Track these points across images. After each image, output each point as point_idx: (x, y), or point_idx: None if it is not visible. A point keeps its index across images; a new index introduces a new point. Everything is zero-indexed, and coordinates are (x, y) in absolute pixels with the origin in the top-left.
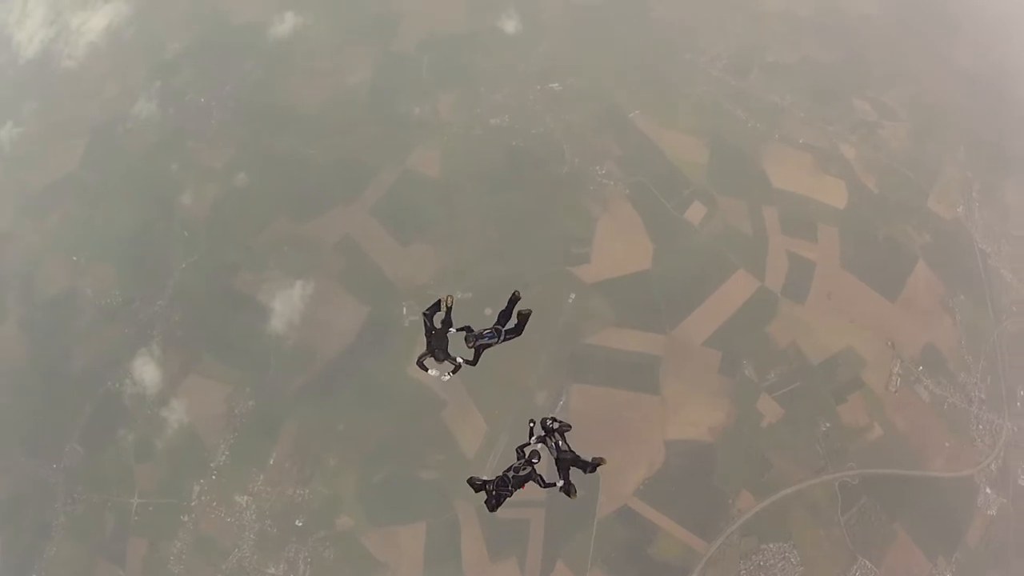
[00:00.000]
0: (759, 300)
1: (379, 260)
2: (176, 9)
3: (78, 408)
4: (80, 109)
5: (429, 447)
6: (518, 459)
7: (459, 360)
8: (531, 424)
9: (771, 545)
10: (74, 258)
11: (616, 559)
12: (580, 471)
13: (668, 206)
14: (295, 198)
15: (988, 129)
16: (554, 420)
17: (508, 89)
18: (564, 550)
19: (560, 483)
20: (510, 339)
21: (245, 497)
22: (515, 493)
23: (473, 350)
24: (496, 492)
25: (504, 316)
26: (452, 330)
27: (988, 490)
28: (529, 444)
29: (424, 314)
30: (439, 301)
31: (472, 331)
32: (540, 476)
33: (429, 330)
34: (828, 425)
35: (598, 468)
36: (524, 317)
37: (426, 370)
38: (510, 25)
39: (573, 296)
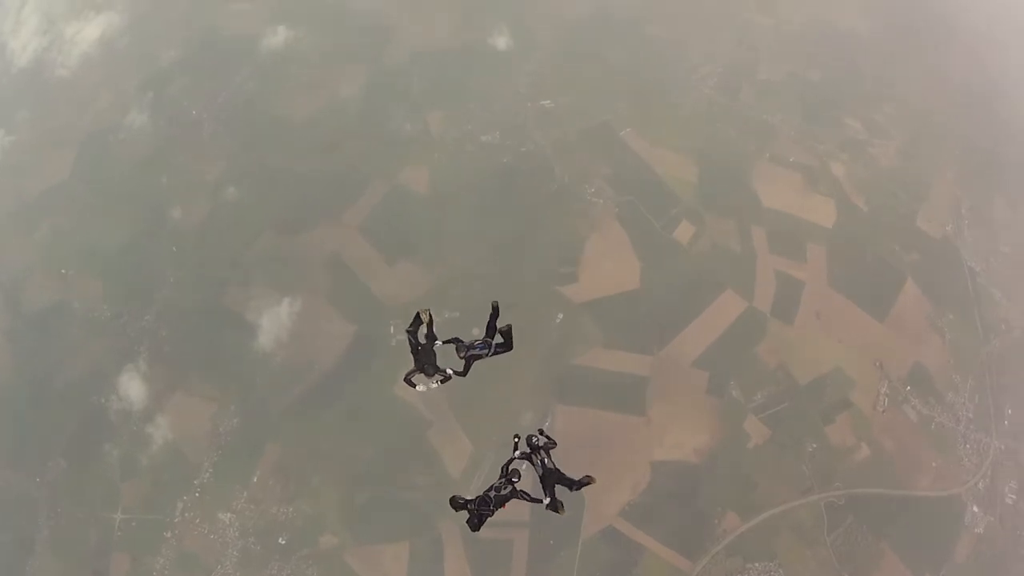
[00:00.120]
0: (747, 320)
1: (366, 278)
2: (169, 21)
3: (63, 422)
4: (72, 119)
5: (414, 466)
6: (500, 477)
7: (449, 372)
8: (515, 439)
9: (757, 565)
10: (63, 270)
11: None
12: (566, 489)
13: (657, 225)
14: (284, 213)
15: (978, 147)
16: (540, 435)
17: (499, 106)
18: (548, 571)
19: (547, 500)
20: (501, 353)
21: (228, 514)
22: (497, 512)
23: (464, 361)
24: (478, 511)
25: (491, 329)
26: (438, 343)
27: (975, 509)
28: (513, 459)
29: (407, 331)
30: (418, 316)
31: (462, 342)
32: (524, 493)
33: (415, 347)
34: (815, 446)
35: (584, 487)
36: (507, 333)
37: (414, 387)
38: (501, 42)
39: (561, 316)
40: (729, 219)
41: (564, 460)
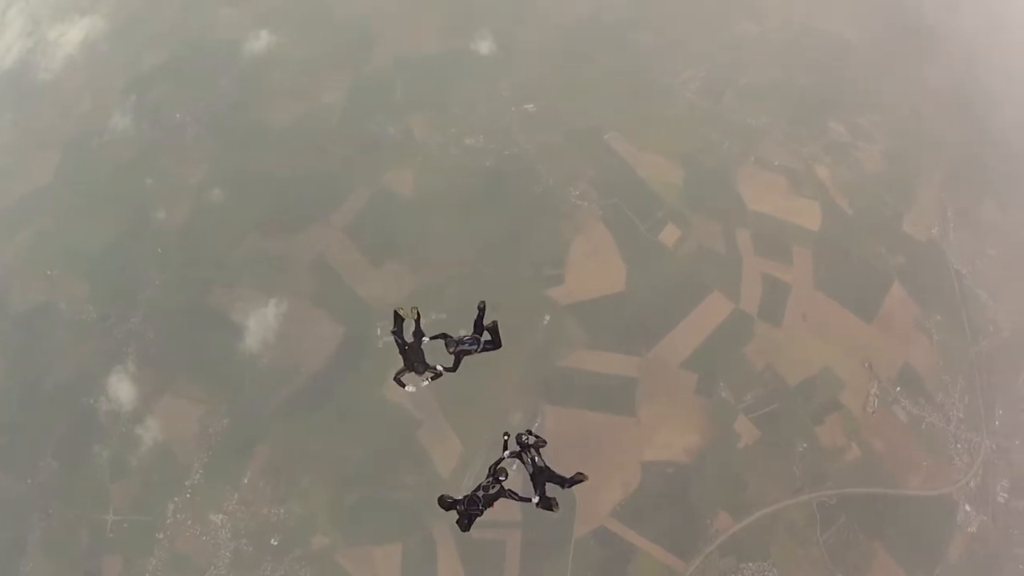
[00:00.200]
0: (735, 322)
1: (352, 280)
2: (153, 24)
3: (52, 424)
4: (56, 121)
5: (404, 466)
6: (487, 477)
7: (439, 368)
8: (505, 438)
9: (750, 564)
10: (48, 272)
11: None
12: (558, 487)
13: (642, 228)
14: (269, 215)
15: (963, 150)
16: (530, 435)
17: (483, 110)
18: (541, 571)
19: (536, 499)
20: (490, 350)
21: (220, 515)
22: (486, 512)
23: (453, 356)
24: (467, 511)
25: (478, 327)
26: (426, 339)
27: (967, 508)
28: (503, 459)
29: (392, 332)
30: (397, 315)
31: (451, 337)
32: (513, 492)
33: (402, 346)
34: (805, 446)
35: (576, 485)
36: (493, 329)
37: (403, 386)
38: (484, 46)
39: (548, 318)
40: (715, 222)
41: (554, 460)
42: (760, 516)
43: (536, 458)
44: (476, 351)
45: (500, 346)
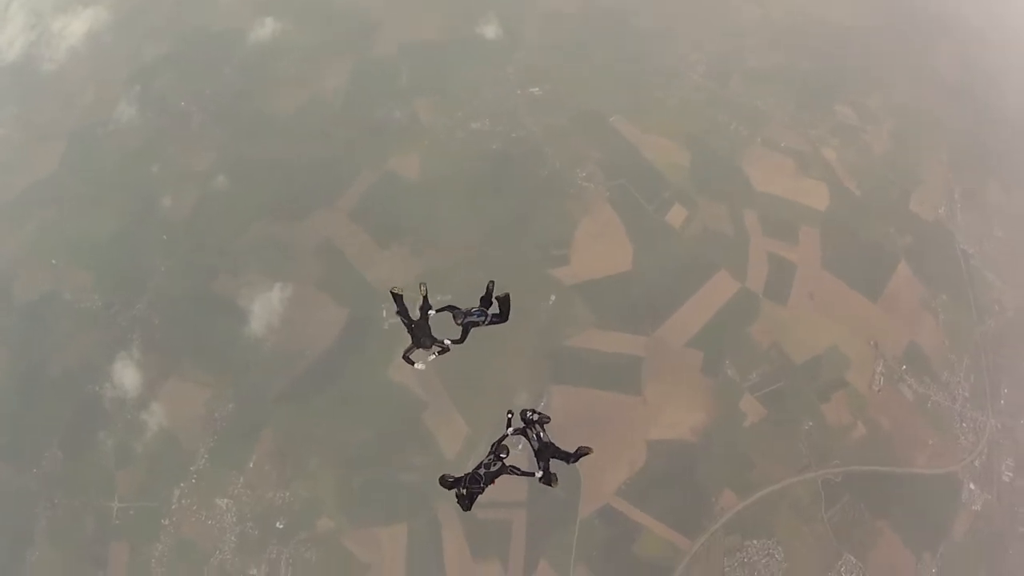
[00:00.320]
0: (741, 301)
1: (359, 263)
2: (156, 14)
3: (57, 412)
4: (60, 113)
5: (410, 449)
6: (488, 454)
7: (446, 342)
8: (509, 415)
9: (755, 542)
10: (53, 261)
11: (599, 558)
12: (563, 463)
13: (649, 208)
14: (275, 201)
15: (969, 131)
16: (534, 412)
17: (488, 94)
18: (547, 550)
19: (539, 474)
20: (496, 323)
21: (225, 500)
22: (488, 490)
23: (461, 327)
24: (468, 489)
25: (485, 302)
26: (432, 312)
27: (972, 486)
28: (507, 436)
29: (397, 314)
30: (399, 297)
31: (458, 309)
32: (515, 467)
33: (409, 324)
34: (811, 424)
35: (581, 459)
36: (504, 301)
37: (412, 363)
38: (490, 30)
39: (553, 298)
40: (721, 202)
41: (561, 439)
42: (765, 494)
43: (541, 434)
44: (483, 323)
45: (507, 319)
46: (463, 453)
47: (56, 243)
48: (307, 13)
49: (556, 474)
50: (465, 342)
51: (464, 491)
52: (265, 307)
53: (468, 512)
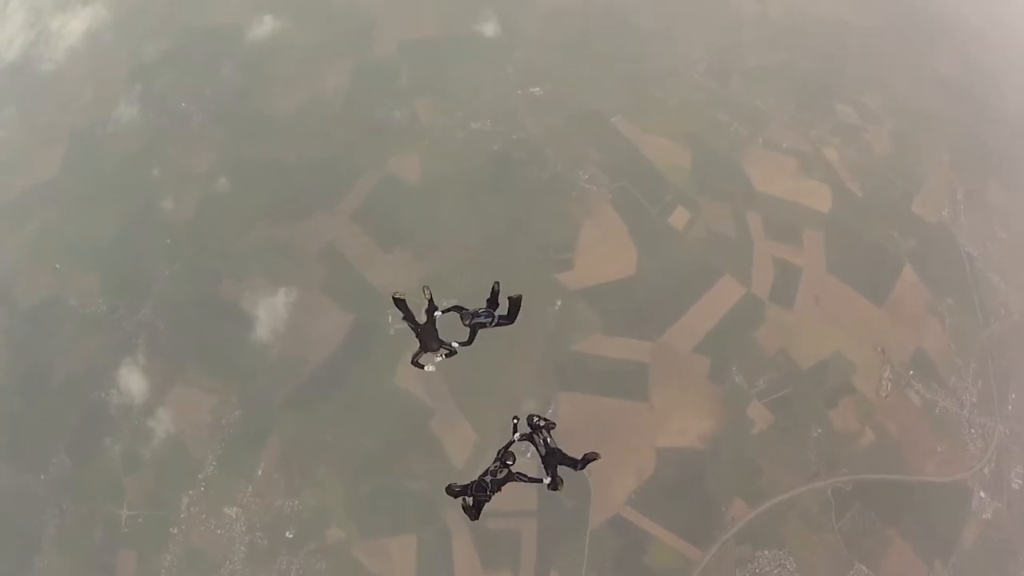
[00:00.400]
0: (746, 306)
1: (362, 267)
2: (155, 12)
3: (64, 418)
4: (60, 113)
5: (417, 456)
6: (495, 462)
7: (454, 345)
8: (515, 421)
9: (766, 552)
10: (56, 266)
11: (610, 568)
12: (570, 469)
13: (652, 211)
14: (276, 203)
15: (971, 132)
16: (540, 418)
17: (489, 94)
18: (557, 560)
19: (547, 480)
20: (503, 325)
21: (234, 509)
22: (495, 498)
23: (469, 329)
24: (475, 498)
25: (491, 303)
26: (438, 313)
27: (982, 494)
28: (513, 442)
29: (404, 319)
30: (401, 302)
31: (465, 310)
32: (521, 474)
33: (415, 328)
34: (819, 431)
35: (589, 465)
36: (515, 302)
37: (421, 367)
38: (489, 29)
39: (559, 303)
40: (724, 205)
41: (569, 447)
42: (775, 503)
43: (548, 439)
44: (491, 324)
45: (514, 321)
46: (471, 460)
47: (58, 246)
48: (306, 11)
49: (562, 479)
50: (473, 344)
51: (471, 500)
52: (270, 312)
53: (479, 522)
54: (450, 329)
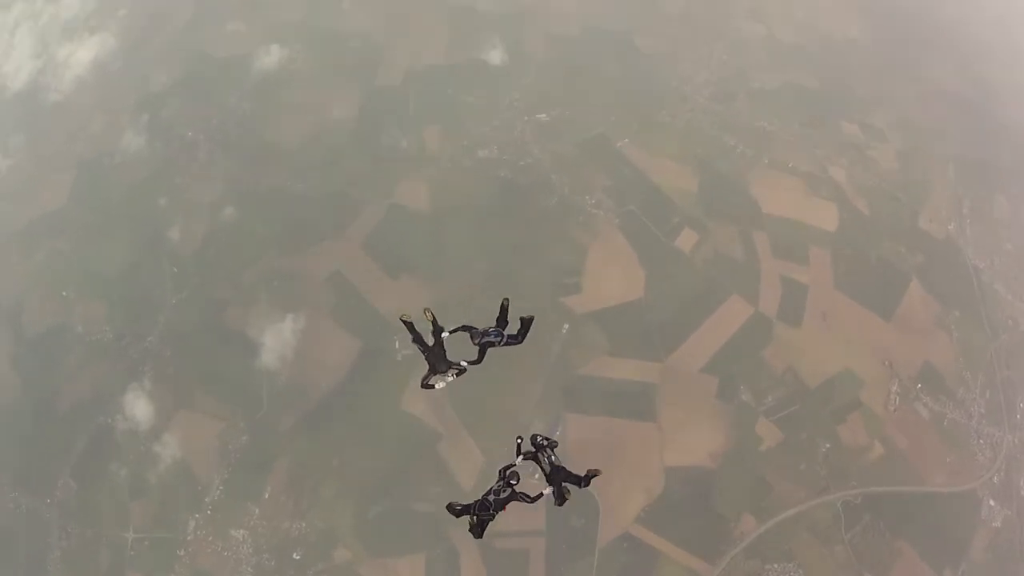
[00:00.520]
0: (754, 325)
1: (369, 294)
2: (161, 42)
3: (70, 443)
4: (67, 142)
5: (425, 479)
6: (498, 481)
7: (463, 364)
8: (519, 441)
9: (775, 566)
10: (64, 293)
11: None
12: (575, 487)
13: (659, 234)
14: (284, 231)
15: (975, 146)
16: (543, 438)
17: (495, 121)
18: None
19: (548, 489)
20: (512, 344)
21: (241, 531)
22: (501, 517)
23: (478, 348)
24: (478, 516)
25: (501, 322)
26: (445, 334)
27: (992, 502)
28: (515, 464)
29: (413, 343)
30: (409, 324)
31: (475, 329)
32: (524, 494)
33: (423, 350)
34: (828, 446)
35: (598, 486)
36: (527, 322)
37: (432, 387)
38: (495, 56)
39: (567, 327)
40: (731, 226)
41: (578, 468)
42: (784, 518)
43: (552, 457)
44: (500, 344)
45: (523, 341)
46: (479, 484)
47: (66, 274)
48: (313, 40)
49: (569, 492)
50: (482, 362)
51: (475, 518)
52: (277, 339)
53: (486, 541)
54: (459, 349)
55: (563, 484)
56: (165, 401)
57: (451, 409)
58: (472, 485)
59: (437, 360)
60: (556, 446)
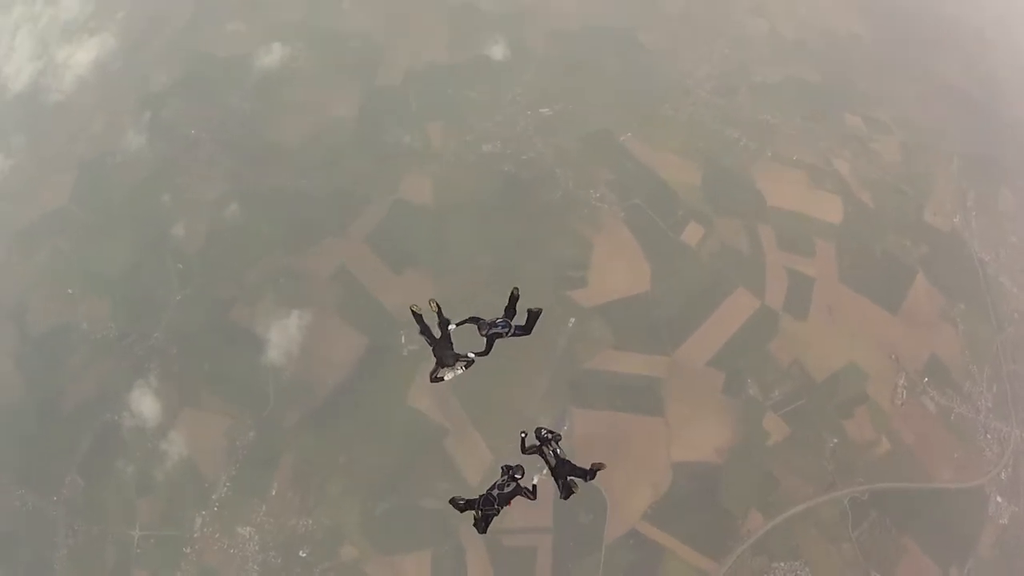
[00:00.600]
0: (760, 318)
1: (375, 289)
2: (162, 42)
3: (76, 441)
4: (69, 143)
5: (432, 475)
6: (502, 475)
7: (471, 355)
8: (523, 435)
9: (782, 564)
10: (69, 291)
11: None
12: (580, 480)
13: (664, 227)
14: (289, 229)
15: (979, 139)
16: (547, 431)
17: (498, 116)
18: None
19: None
20: (519, 335)
21: (248, 528)
22: (506, 513)
23: (485, 339)
24: (483, 511)
25: (509, 312)
26: (452, 326)
27: (999, 499)
28: (524, 455)
29: (420, 335)
30: (418, 316)
31: (483, 320)
32: (527, 489)
33: (430, 343)
34: (835, 441)
35: (606, 482)
36: (534, 315)
37: (441, 380)
38: (497, 52)
39: (573, 320)
40: (736, 219)
41: (585, 464)
42: (792, 514)
43: (557, 450)
44: (507, 334)
45: (530, 332)
46: (486, 478)
47: (69, 273)
48: (315, 38)
49: (575, 481)
50: (490, 353)
51: (479, 513)
52: (283, 336)
53: (493, 539)
54: (466, 340)
55: (568, 477)
56: (171, 398)
57: (458, 404)
58: (479, 481)
59: (444, 353)
60: (560, 439)
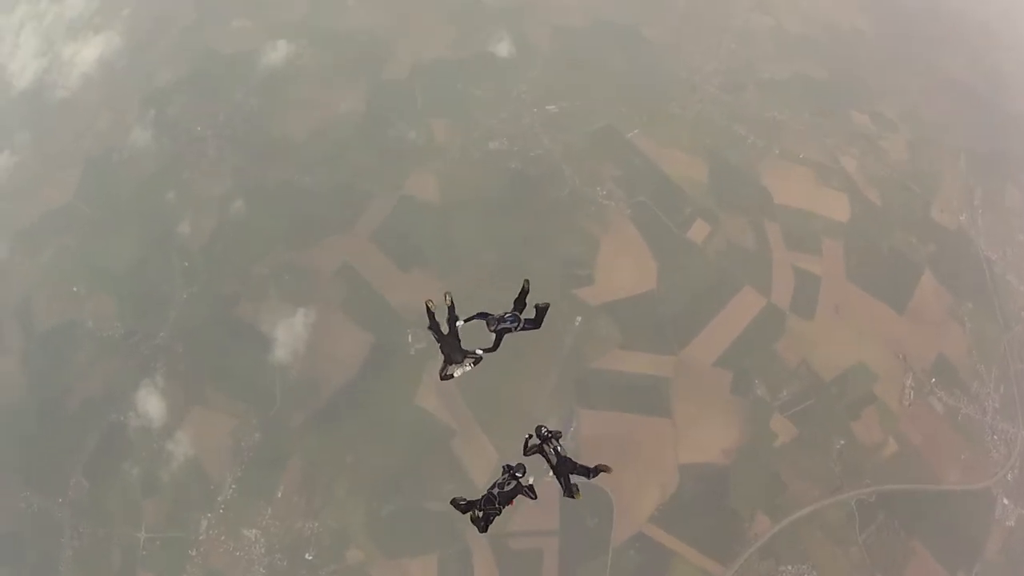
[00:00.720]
0: (767, 317)
1: (380, 287)
2: (167, 39)
3: (82, 441)
4: (75, 139)
5: (439, 476)
6: (503, 475)
7: (478, 352)
8: (527, 438)
9: (789, 567)
10: (74, 289)
11: None
12: (583, 478)
13: (671, 225)
14: (294, 225)
15: (986, 136)
16: (548, 430)
17: (504, 113)
18: None
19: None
20: (528, 329)
21: (254, 531)
22: (510, 514)
23: (494, 335)
24: (484, 511)
25: (519, 304)
26: (460, 322)
27: (1006, 501)
28: (525, 454)
29: (429, 329)
30: (428, 308)
31: (491, 316)
32: (528, 488)
33: (439, 339)
34: (843, 442)
35: (613, 483)
36: (542, 310)
37: (451, 377)
38: (503, 48)
39: (579, 319)
40: (743, 217)
41: (590, 463)
42: (799, 517)
43: (558, 448)
44: (516, 329)
45: (540, 326)
46: (493, 479)
47: (75, 271)
48: (320, 35)
49: (577, 485)
50: (498, 349)
51: (480, 513)
52: (289, 334)
53: (500, 541)
54: (475, 336)
55: (570, 476)
56: (177, 398)
57: (464, 404)
58: (485, 482)
59: (452, 350)
60: (560, 436)
